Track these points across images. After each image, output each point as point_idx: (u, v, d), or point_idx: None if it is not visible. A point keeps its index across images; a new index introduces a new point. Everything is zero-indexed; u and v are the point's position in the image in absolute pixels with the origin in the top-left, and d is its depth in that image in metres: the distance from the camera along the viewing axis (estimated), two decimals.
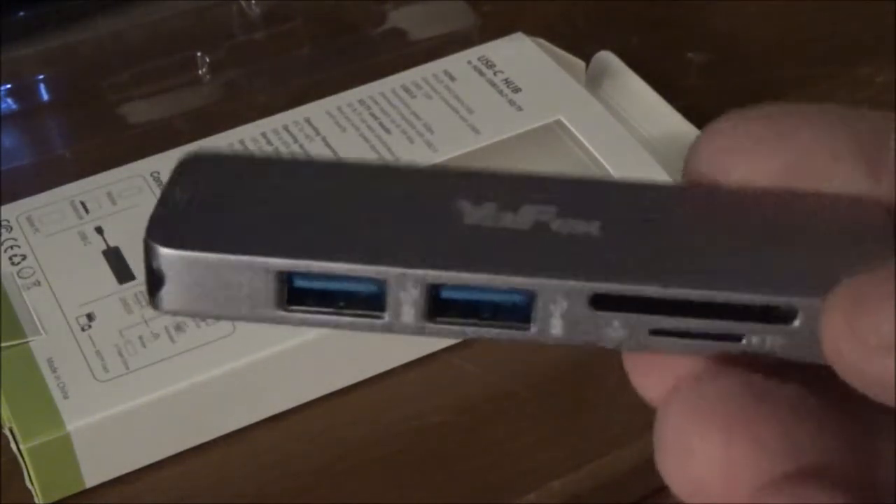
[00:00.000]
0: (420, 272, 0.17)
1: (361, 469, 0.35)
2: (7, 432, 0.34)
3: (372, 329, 0.18)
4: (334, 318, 0.18)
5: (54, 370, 0.34)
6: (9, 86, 0.45)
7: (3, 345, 0.34)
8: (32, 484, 0.34)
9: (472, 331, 0.18)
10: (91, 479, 0.34)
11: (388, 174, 0.20)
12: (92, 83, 0.46)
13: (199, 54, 0.46)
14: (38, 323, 0.35)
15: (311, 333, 0.35)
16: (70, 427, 0.33)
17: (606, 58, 0.45)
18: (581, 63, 0.44)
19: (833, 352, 0.17)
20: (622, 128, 0.41)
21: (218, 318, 0.18)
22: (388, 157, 0.39)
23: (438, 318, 0.18)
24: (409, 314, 0.18)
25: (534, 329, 0.18)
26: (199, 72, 0.46)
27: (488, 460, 0.35)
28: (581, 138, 0.40)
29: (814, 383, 0.18)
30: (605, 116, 0.41)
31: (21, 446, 0.33)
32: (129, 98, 0.46)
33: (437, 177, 0.19)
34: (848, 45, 0.49)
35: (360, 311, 0.18)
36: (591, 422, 0.36)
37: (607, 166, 0.39)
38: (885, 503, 0.17)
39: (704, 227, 0.19)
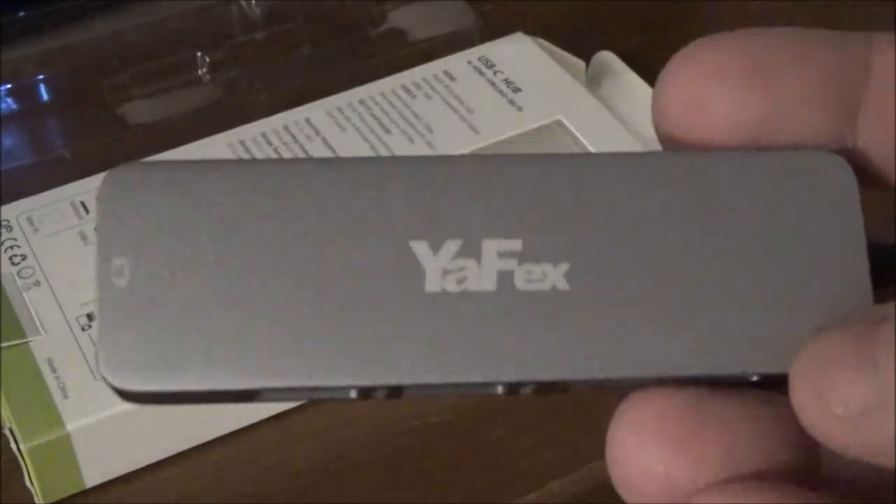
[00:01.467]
0: (382, 383, 0.17)
1: (361, 469, 0.35)
2: (7, 432, 0.34)
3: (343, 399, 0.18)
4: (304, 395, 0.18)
5: (54, 370, 0.34)
6: (9, 86, 0.45)
7: (3, 345, 0.34)
8: (32, 484, 0.34)
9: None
10: (91, 479, 0.34)
11: (335, 201, 0.18)
12: (92, 83, 0.46)
13: (199, 54, 0.46)
14: (38, 323, 0.35)
15: None
16: (70, 427, 0.33)
17: (606, 58, 0.45)
18: (581, 63, 0.44)
19: (804, 421, 0.16)
20: (622, 128, 0.41)
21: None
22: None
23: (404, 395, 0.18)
24: (378, 394, 0.18)
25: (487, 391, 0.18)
26: (199, 72, 0.46)
27: (488, 460, 0.35)
28: (581, 138, 0.40)
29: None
30: (605, 116, 0.41)
31: (21, 446, 0.33)
32: (129, 98, 0.46)
33: (389, 207, 0.18)
34: None
35: (331, 395, 0.18)
36: (591, 422, 0.36)
37: None
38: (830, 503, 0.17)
39: (676, 265, 0.18)
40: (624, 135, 0.40)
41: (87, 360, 0.34)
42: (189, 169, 0.18)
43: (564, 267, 0.18)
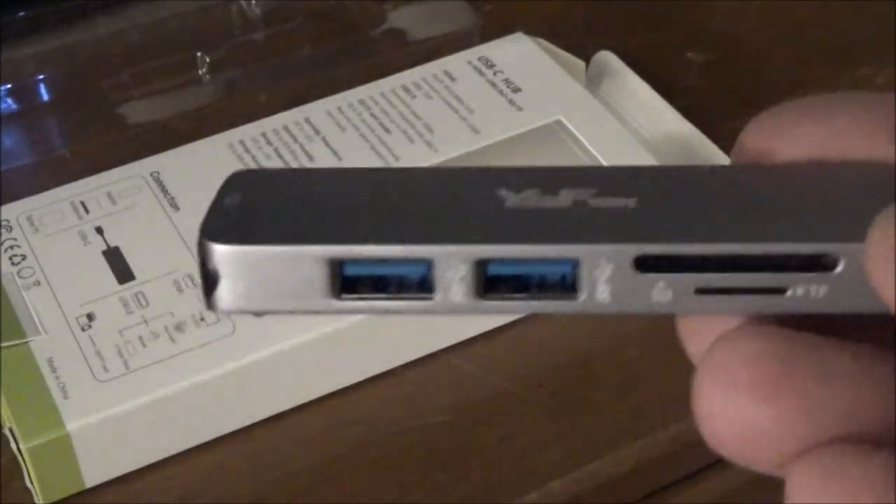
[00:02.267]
0: (465, 248, 0.18)
1: (361, 469, 0.35)
2: (7, 432, 0.34)
3: (425, 311, 0.18)
4: (386, 303, 0.18)
5: (54, 370, 0.34)
6: (9, 86, 0.45)
7: (3, 345, 0.34)
8: (32, 484, 0.34)
9: (522, 305, 0.18)
10: (91, 479, 0.34)
11: (429, 174, 0.20)
12: (92, 83, 0.46)
13: (199, 54, 0.46)
14: (38, 323, 0.35)
15: (311, 333, 0.35)
16: (70, 427, 0.33)
17: (606, 58, 0.45)
18: (581, 63, 0.44)
19: (884, 286, 0.16)
20: (622, 128, 0.41)
21: (274, 312, 0.18)
22: (389, 157, 0.39)
23: (488, 295, 0.18)
24: (458, 293, 0.18)
25: (582, 297, 0.18)
26: (199, 72, 0.46)
27: (488, 460, 0.35)
28: (581, 138, 0.40)
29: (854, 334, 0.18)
30: (605, 116, 0.41)
31: (21, 446, 0.33)
32: (129, 98, 0.46)
33: (476, 172, 0.20)
34: (848, 45, 0.49)
35: (411, 295, 0.18)
36: (591, 422, 0.36)
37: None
38: None
39: (741, 195, 0.19)
40: (624, 135, 0.40)
41: (87, 360, 0.34)
42: (300, 170, 0.20)
43: (634, 200, 0.18)
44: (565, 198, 0.18)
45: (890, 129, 0.19)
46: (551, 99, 0.41)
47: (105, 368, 0.34)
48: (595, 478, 0.35)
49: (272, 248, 0.18)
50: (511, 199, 0.18)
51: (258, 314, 0.19)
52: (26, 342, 0.35)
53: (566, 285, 0.18)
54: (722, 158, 0.40)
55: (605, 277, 0.18)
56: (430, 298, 0.18)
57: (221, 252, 0.18)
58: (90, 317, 0.35)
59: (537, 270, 0.18)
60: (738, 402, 0.17)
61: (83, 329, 0.35)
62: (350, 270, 0.18)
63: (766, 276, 0.18)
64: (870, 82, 0.47)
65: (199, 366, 0.34)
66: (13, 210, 0.39)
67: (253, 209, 0.19)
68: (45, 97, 0.46)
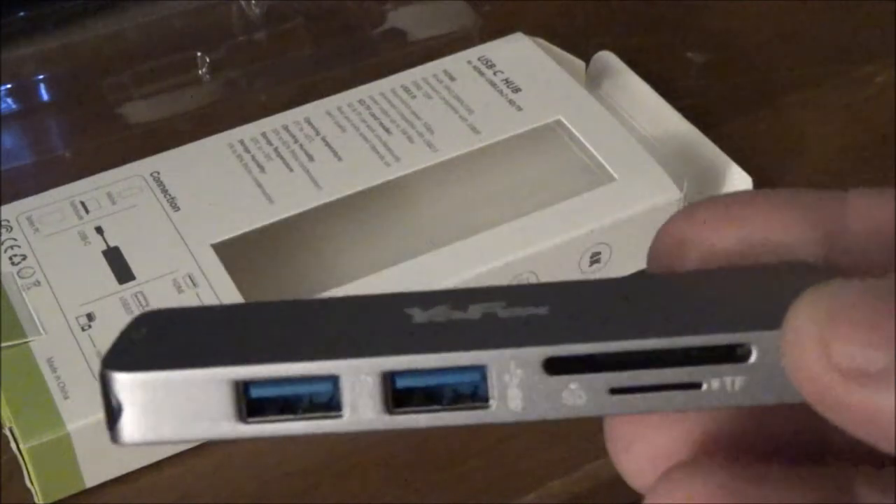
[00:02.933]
0: (371, 361, 0.17)
1: (361, 469, 0.35)
2: (7, 432, 0.34)
3: (335, 430, 0.18)
4: (294, 424, 0.18)
5: (54, 370, 0.34)
6: (9, 86, 0.45)
7: (3, 345, 0.34)
8: (32, 484, 0.34)
9: (434, 418, 0.18)
10: (91, 479, 0.34)
11: (338, 302, 0.20)
12: (92, 83, 0.46)
13: (199, 54, 0.46)
14: (38, 323, 0.35)
15: None
16: (70, 427, 0.33)
17: (606, 58, 0.45)
18: (581, 63, 0.44)
19: (793, 368, 0.16)
20: (622, 128, 0.41)
21: (181, 441, 0.18)
22: (388, 157, 0.39)
23: (398, 410, 0.18)
24: (367, 408, 0.17)
25: (493, 406, 0.17)
26: (199, 72, 0.46)
27: (488, 460, 0.35)
28: (581, 138, 0.40)
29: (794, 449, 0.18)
30: (605, 116, 0.41)
31: (21, 446, 0.33)
32: (129, 98, 0.46)
33: (385, 297, 0.19)
34: (848, 45, 0.49)
35: (319, 414, 0.17)
36: (591, 422, 0.36)
37: (607, 166, 0.39)
38: None
39: (652, 298, 0.19)
40: (623, 135, 0.40)
41: (87, 360, 0.34)
42: (212, 306, 0.20)
43: (545, 308, 0.18)
44: (474, 311, 0.18)
45: (806, 222, 0.19)
46: (551, 99, 0.41)
47: None
48: (595, 478, 0.35)
49: (173, 374, 0.17)
50: (419, 315, 0.18)
51: (164, 443, 0.19)
52: (26, 342, 0.35)
53: (478, 395, 0.17)
54: (722, 158, 0.40)
55: (516, 383, 0.17)
56: (339, 416, 0.17)
57: (122, 381, 0.17)
58: (90, 317, 0.35)
59: (447, 381, 0.17)
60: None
61: (83, 329, 0.35)
62: (255, 392, 0.17)
63: (679, 371, 0.17)
64: (870, 82, 0.47)
65: None
66: (13, 210, 0.39)
67: (158, 340, 0.18)
68: (45, 97, 0.46)
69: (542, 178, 0.40)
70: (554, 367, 0.17)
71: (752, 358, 0.17)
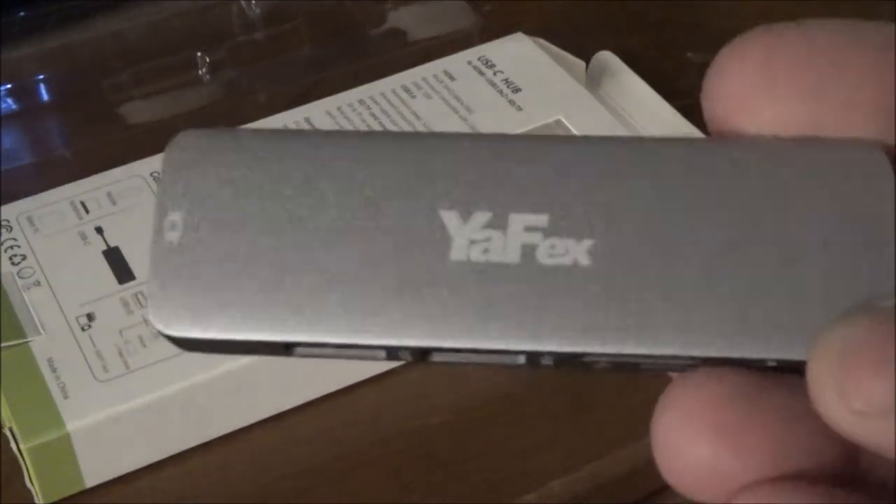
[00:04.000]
0: (407, 344, 0.18)
1: (361, 469, 0.35)
2: (7, 432, 0.34)
3: (374, 359, 0.18)
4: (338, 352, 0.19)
5: (54, 370, 0.34)
6: (9, 86, 0.45)
7: (3, 345, 0.34)
8: (32, 484, 0.34)
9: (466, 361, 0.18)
10: (91, 479, 0.34)
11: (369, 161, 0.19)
12: (92, 83, 0.46)
13: (199, 54, 0.46)
14: (38, 323, 0.35)
15: None
16: (70, 427, 0.33)
17: (606, 58, 0.45)
18: (581, 63, 0.44)
19: (823, 413, 0.16)
20: (622, 128, 0.41)
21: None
22: None
23: (431, 359, 0.18)
24: (404, 356, 0.18)
25: (509, 360, 0.18)
26: (199, 72, 0.46)
27: (488, 460, 0.35)
28: None
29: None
30: (605, 116, 0.41)
31: (21, 446, 0.33)
32: (129, 98, 0.46)
33: (421, 173, 0.19)
34: None
35: (361, 354, 0.18)
36: (591, 422, 0.36)
37: None
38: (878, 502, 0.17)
39: (710, 242, 0.18)
40: (623, 134, 0.40)
41: (87, 360, 0.34)
42: (248, 138, 0.19)
43: (588, 244, 0.18)
44: (514, 238, 0.18)
45: (888, 107, 0.18)
46: (551, 99, 0.41)
47: (105, 368, 0.34)
48: (595, 478, 0.35)
49: (224, 338, 0.18)
50: (457, 240, 0.18)
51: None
52: (26, 342, 0.35)
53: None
54: None
55: (550, 360, 0.18)
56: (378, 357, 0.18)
57: (173, 339, 0.18)
58: (90, 317, 0.35)
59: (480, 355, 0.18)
60: (704, 446, 0.17)
61: (83, 329, 0.35)
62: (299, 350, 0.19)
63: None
64: None
65: (199, 366, 0.34)
66: (13, 210, 0.39)
67: (195, 252, 0.19)
68: (45, 97, 0.46)
69: None
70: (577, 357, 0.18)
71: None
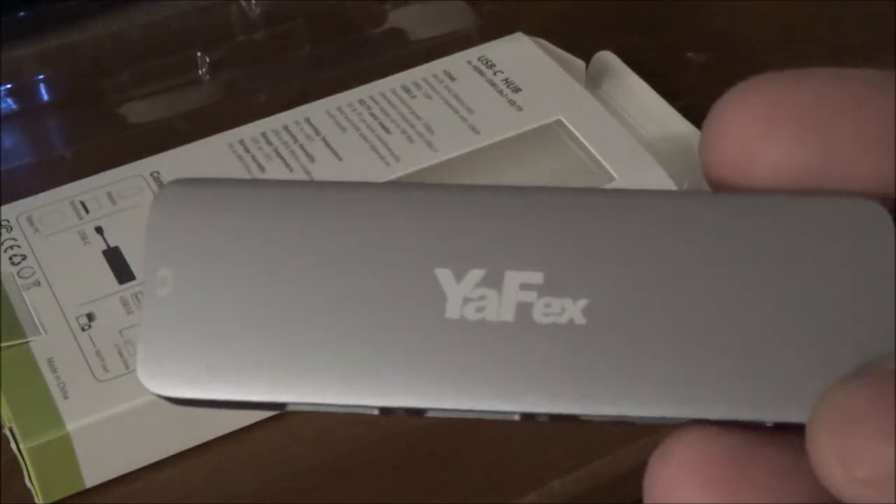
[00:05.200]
0: (402, 405, 0.18)
1: (361, 469, 0.35)
2: (7, 432, 0.34)
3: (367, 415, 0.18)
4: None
5: (54, 370, 0.34)
6: (9, 86, 0.45)
7: (3, 345, 0.34)
8: (32, 484, 0.34)
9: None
10: (91, 479, 0.34)
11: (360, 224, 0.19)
12: (92, 83, 0.46)
13: (199, 54, 0.46)
14: (38, 323, 0.35)
15: None
16: (70, 427, 0.33)
17: (606, 58, 0.45)
18: (581, 63, 0.44)
19: (820, 473, 0.16)
20: (622, 128, 0.41)
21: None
22: (389, 158, 0.39)
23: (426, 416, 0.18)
24: (399, 413, 0.18)
25: (504, 418, 0.18)
26: (199, 72, 0.46)
27: (488, 460, 0.35)
28: (581, 138, 0.40)
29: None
30: (605, 116, 0.41)
31: (21, 446, 0.33)
32: (129, 98, 0.46)
33: (415, 229, 0.19)
34: (848, 45, 0.49)
35: (354, 411, 0.18)
36: (591, 422, 0.36)
37: (607, 166, 0.39)
38: None
39: (700, 311, 0.18)
40: (623, 135, 0.40)
41: (87, 360, 0.34)
42: (238, 187, 0.19)
43: (583, 302, 0.18)
44: (509, 297, 0.18)
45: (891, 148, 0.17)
46: (551, 99, 0.41)
47: (105, 368, 0.34)
48: (595, 478, 0.35)
49: (214, 398, 0.18)
50: (452, 298, 0.18)
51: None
52: (26, 342, 0.35)
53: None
54: None
55: (545, 419, 0.18)
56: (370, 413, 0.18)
57: (162, 397, 0.19)
58: (90, 317, 0.35)
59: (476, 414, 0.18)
60: (694, 491, 0.17)
61: (83, 329, 0.35)
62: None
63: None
64: None
65: None
66: (13, 210, 0.39)
67: (185, 309, 0.18)
68: (45, 97, 0.46)
69: (542, 178, 0.40)
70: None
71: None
